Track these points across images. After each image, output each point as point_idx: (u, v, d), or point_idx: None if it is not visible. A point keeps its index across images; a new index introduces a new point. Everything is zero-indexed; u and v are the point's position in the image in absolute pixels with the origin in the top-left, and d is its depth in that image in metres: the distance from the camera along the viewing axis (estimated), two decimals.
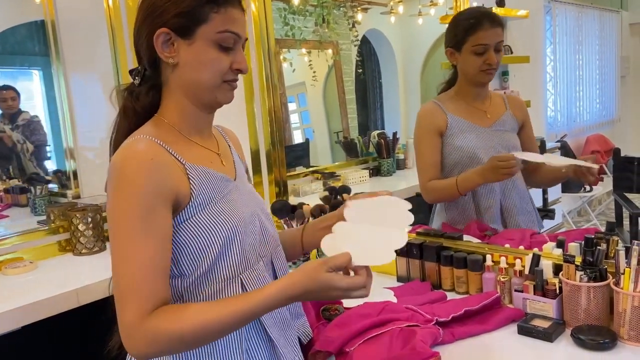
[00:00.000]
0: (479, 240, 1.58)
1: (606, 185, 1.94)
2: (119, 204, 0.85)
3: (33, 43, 2.05)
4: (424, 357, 1.04)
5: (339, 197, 1.70)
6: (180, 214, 0.90)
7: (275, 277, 1.04)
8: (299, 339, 1.08)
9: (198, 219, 0.91)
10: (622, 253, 1.12)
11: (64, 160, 2.11)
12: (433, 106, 1.68)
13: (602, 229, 1.26)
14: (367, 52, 3.86)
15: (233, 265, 0.94)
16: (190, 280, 0.92)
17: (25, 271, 1.74)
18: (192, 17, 0.91)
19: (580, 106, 4.18)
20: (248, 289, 0.94)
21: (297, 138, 3.52)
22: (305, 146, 3.41)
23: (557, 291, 1.21)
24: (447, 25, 1.67)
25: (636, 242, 1.10)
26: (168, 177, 0.88)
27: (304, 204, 1.75)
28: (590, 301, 1.14)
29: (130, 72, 1.00)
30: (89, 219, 1.89)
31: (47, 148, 2.15)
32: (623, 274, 1.10)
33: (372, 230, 0.96)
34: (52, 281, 1.64)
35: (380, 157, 3.10)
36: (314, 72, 3.40)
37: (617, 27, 4.37)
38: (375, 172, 3.11)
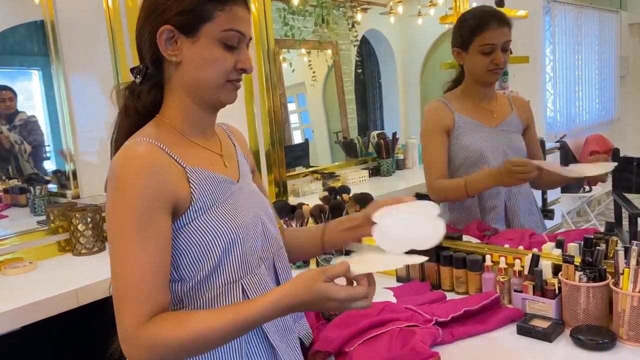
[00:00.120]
0: (479, 241, 1.58)
1: (605, 185, 1.94)
2: (118, 208, 0.84)
3: (32, 43, 2.05)
4: (423, 357, 1.05)
5: (338, 197, 1.70)
6: (180, 218, 0.89)
7: (277, 280, 1.03)
8: (301, 340, 1.07)
9: (198, 223, 0.90)
10: (621, 253, 1.12)
11: (63, 160, 2.11)
12: (440, 104, 1.67)
13: (602, 229, 1.26)
14: (367, 53, 3.86)
15: (234, 270, 0.93)
16: (190, 284, 0.91)
17: (24, 271, 1.74)
18: (196, 15, 0.90)
19: (579, 106, 4.18)
20: (249, 294, 0.93)
21: (297, 138, 3.52)
22: (304, 146, 3.41)
23: (557, 291, 1.21)
24: (445, 25, 1.68)
25: (635, 242, 1.10)
26: (167, 181, 0.86)
27: (303, 204, 1.75)
28: (590, 301, 1.14)
29: (132, 70, 0.99)
30: (89, 219, 1.88)
31: (47, 148, 2.15)
32: (622, 274, 1.10)
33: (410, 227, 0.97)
34: (52, 281, 1.64)
35: (380, 157, 3.10)
36: (314, 72, 3.40)
37: (616, 28, 4.37)
38: (375, 172, 3.10)
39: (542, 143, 2.22)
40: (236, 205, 0.96)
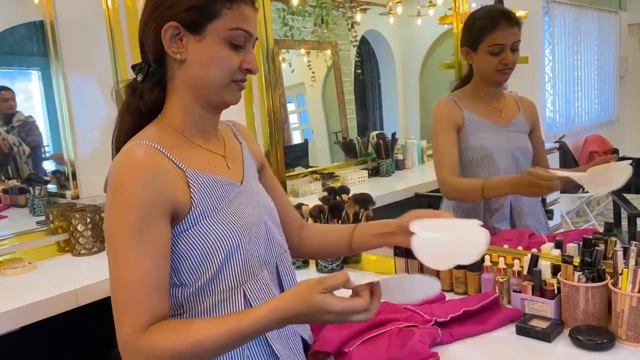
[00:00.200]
0: None
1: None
2: (115, 215, 0.83)
3: (32, 43, 2.05)
4: (422, 358, 1.05)
5: (337, 197, 1.70)
6: (180, 223, 0.87)
7: (281, 285, 1.01)
8: (305, 341, 1.05)
9: (199, 228, 0.88)
10: (620, 254, 1.12)
11: (61, 164, 2.11)
12: (450, 101, 1.66)
13: (601, 229, 1.26)
14: (366, 53, 3.87)
15: (236, 275, 0.91)
16: (191, 290, 0.89)
17: (24, 272, 1.74)
18: (203, 12, 0.88)
19: (578, 107, 4.18)
20: (251, 300, 0.91)
21: (296, 138, 3.53)
22: (304, 147, 3.41)
23: (556, 292, 1.21)
24: (444, 26, 1.67)
25: (634, 242, 1.10)
26: (166, 186, 0.85)
27: (303, 204, 1.75)
28: (589, 301, 1.14)
29: (133, 67, 0.97)
30: (88, 220, 1.88)
31: (46, 148, 2.15)
32: (621, 274, 1.10)
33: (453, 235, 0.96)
34: (51, 282, 1.64)
35: (379, 157, 3.10)
36: (313, 72, 3.40)
37: (615, 28, 4.37)
38: (374, 172, 3.10)
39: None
40: (239, 208, 0.93)
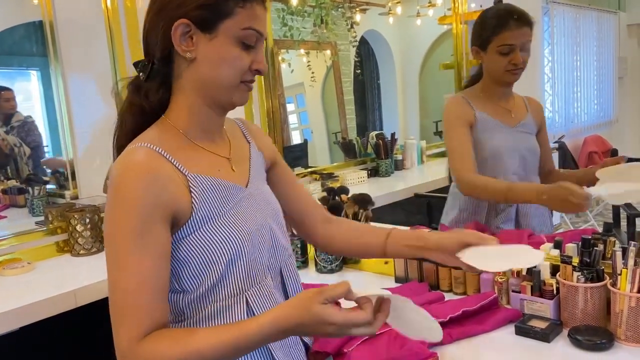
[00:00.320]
0: None
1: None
2: (115, 218, 0.81)
3: (31, 43, 2.05)
4: (421, 358, 1.05)
5: (337, 197, 1.70)
6: (181, 229, 0.85)
7: (285, 289, 0.99)
8: (306, 343, 1.03)
9: (201, 234, 0.86)
10: (619, 254, 1.12)
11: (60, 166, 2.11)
12: (462, 100, 1.64)
13: (600, 229, 1.26)
14: (366, 53, 3.87)
15: (239, 282, 0.89)
16: (193, 296, 0.87)
17: (23, 272, 1.74)
18: (216, 10, 0.85)
19: (578, 107, 4.20)
20: (253, 308, 0.89)
21: (296, 139, 3.53)
22: (303, 147, 3.42)
23: (555, 292, 1.21)
24: (443, 26, 1.67)
25: (633, 243, 1.10)
26: (166, 190, 0.83)
27: None
28: (587, 302, 1.14)
29: (135, 64, 0.93)
30: (87, 220, 1.88)
31: (45, 149, 2.15)
32: (620, 274, 1.10)
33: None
34: (50, 282, 1.64)
35: (379, 157, 3.11)
36: (313, 72, 3.41)
37: (614, 28, 4.38)
38: (374, 172, 3.11)
39: None
40: (243, 213, 0.91)
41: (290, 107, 3.41)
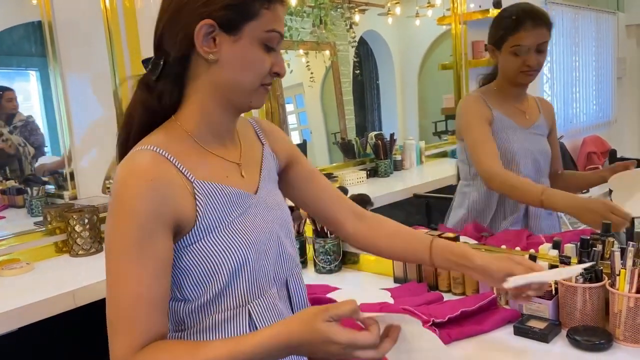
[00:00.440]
0: (476, 242, 1.58)
1: (603, 186, 1.95)
2: (115, 225, 0.79)
3: (30, 44, 2.05)
4: None
5: None
6: (184, 237, 0.83)
7: (290, 301, 0.97)
8: None
9: (204, 243, 0.83)
10: (617, 254, 1.12)
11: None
12: (479, 98, 1.62)
13: (598, 230, 1.26)
14: (365, 53, 3.87)
15: (242, 294, 0.86)
16: (194, 306, 0.85)
17: (21, 272, 1.73)
18: (242, 11, 0.82)
19: (576, 107, 4.19)
20: (256, 321, 0.87)
21: (295, 139, 3.53)
22: (302, 147, 3.41)
23: (553, 292, 1.21)
24: (443, 27, 1.66)
25: (632, 243, 1.10)
26: (170, 198, 0.80)
27: None
28: (586, 302, 1.14)
29: (144, 62, 0.89)
30: (86, 220, 1.88)
31: (46, 149, 2.15)
32: (618, 275, 1.10)
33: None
34: (49, 282, 1.64)
35: (378, 158, 3.10)
36: (312, 73, 3.40)
37: (613, 29, 4.37)
38: (373, 173, 3.10)
39: None
40: (249, 222, 0.88)
41: (289, 107, 3.41)
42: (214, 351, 0.76)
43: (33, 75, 2.12)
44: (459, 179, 1.74)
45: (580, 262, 1.18)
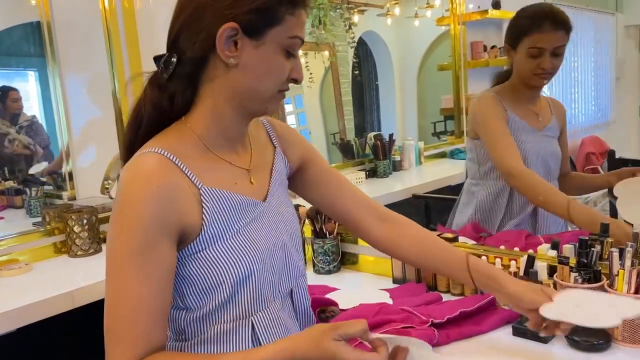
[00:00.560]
0: (474, 242, 1.58)
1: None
2: (117, 232, 0.77)
3: (29, 44, 2.04)
4: None
5: None
6: (188, 246, 0.81)
7: (295, 311, 0.96)
8: None
9: (209, 253, 0.81)
10: (616, 255, 1.12)
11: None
12: (495, 98, 1.59)
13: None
14: (364, 54, 3.87)
15: (246, 305, 0.84)
16: (195, 315, 0.83)
17: (20, 273, 1.73)
18: (266, 17, 0.80)
19: (575, 108, 4.20)
20: (259, 334, 0.85)
21: None
22: None
23: None
24: (442, 27, 1.65)
25: (630, 244, 1.10)
26: (175, 206, 0.78)
27: (300, 205, 1.75)
28: None
29: (156, 59, 0.86)
30: (85, 221, 1.88)
31: (50, 149, 2.15)
32: (617, 275, 1.10)
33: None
34: (48, 283, 1.64)
35: (377, 158, 3.11)
36: (311, 73, 3.40)
37: (612, 30, 4.39)
38: (372, 173, 3.11)
39: None
40: (257, 231, 0.86)
41: (288, 107, 3.41)
42: None
43: (32, 76, 2.12)
44: (466, 177, 1.73)
45: (579, 262, 1.18)
